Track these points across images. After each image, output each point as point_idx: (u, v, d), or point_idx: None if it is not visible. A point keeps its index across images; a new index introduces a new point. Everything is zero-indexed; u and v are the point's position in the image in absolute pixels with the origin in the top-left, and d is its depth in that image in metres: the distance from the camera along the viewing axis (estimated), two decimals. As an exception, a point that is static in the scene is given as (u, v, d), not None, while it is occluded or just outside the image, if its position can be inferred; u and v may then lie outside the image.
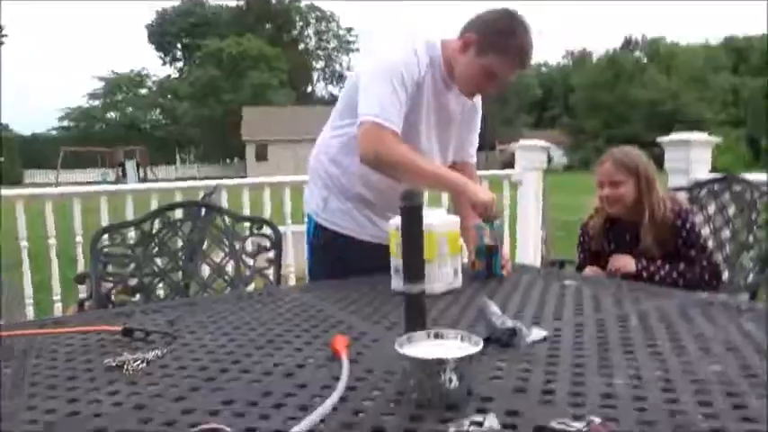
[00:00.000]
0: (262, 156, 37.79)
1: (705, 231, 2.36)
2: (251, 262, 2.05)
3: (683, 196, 2.48)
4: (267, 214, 3.80)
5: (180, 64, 55.43)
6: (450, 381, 0.85)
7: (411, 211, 1.10)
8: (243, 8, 54.29)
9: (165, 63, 55.98)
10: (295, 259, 3.88)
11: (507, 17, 1.70)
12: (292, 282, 3.86)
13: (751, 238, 2.26)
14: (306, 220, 2.00)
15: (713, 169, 3.26)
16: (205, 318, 1.40)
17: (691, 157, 3.18)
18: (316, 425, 0.79)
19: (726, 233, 2.41)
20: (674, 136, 3.33)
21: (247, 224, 2.06)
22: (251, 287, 2.04)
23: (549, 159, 4.30)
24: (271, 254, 2.01)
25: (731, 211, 2.42)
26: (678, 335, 1.13)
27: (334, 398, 0.86)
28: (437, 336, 0.96)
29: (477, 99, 1.96)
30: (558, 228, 7.41)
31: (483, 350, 0.90)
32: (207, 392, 0.94)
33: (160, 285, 2.01)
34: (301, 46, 59.24)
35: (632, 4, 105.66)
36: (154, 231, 2.02)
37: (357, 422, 0.81)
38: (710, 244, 2.27)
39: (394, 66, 1.71)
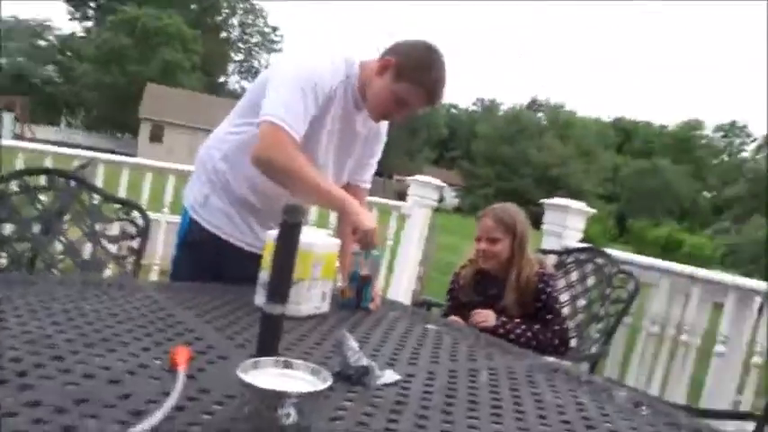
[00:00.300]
0: (156, 137, 36.02)
1: (564, 297, 2.50)
2: (113, 248, 1.90)
3: (551, 260, 2.62)
4: (144, 199, 3.58)
5: (90, 24, 51.74)
6: (288, 416, 0.81)
7: (289, 228, 1.05)
8: (174, -20, 51.92)
9: (73, 19, 52.05)
10: (165, 253, 3.67)
11: (428, 51, 1.71)
12: (155, 277, 3.64)
13: (602, 312, 2.42)
14: (182, 212, 1.89)
15: (583, 239, 3.48)
16: (36, 301, 1.26)
17: (566, 223, 3.37)
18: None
19: (581, 302, 2.56)
20: (556, 200, 3.52)
21: (116, 206, 1.91)
22: (105, 274, 1.89)
23: (441, 198, 4.40)
24: (135, 242, 1.87)
25: (590, 281, 2.58)
26: (521, 398, 1.15)
27: (156, 416, 0.79)
28: (286, 365, 0.92)
29: (383, 126, 1.96)
30: (439, 268, 7.60)
31: (332, 385, 0.86)
32: (12, 389, 0.83)
33: (2, 254, 1.82)
34: (223, 34, 57.50)
35: (544, 66, 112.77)
36: (8, 193, 1.82)
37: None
38: (566, 311, 2.40)
39: (309, 73, 1.67)
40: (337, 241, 1.62)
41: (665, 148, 56.29)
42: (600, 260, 2.53)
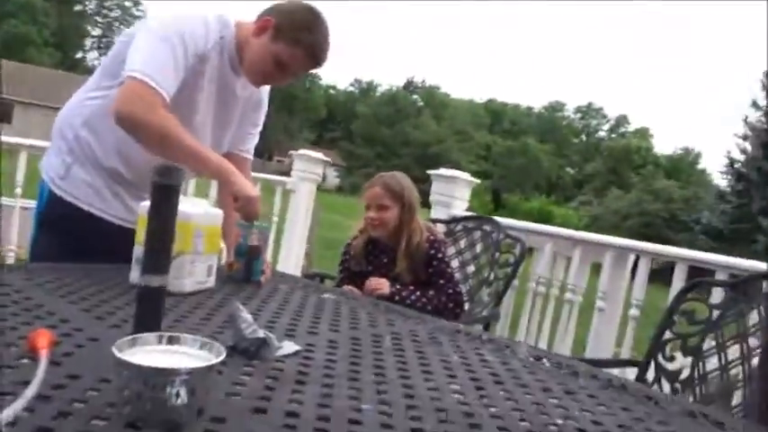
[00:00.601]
0: (5, 116, 32.57)
1: (455, 263, 2.52)
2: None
3: (440, 228, 2.63)
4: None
5: None
6: (178, 396, 0.70)
7: (164, 190, 0.92)
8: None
9: None
10: (21, 241, 3.29)
11: (308, 12, 1.61)
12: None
13: (492, 276, 2.47)
14: (39, 187, 1.66)
15: (468, 209, 3.56)
16: None
17: (454, 193, 3.43)
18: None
19: (471, 268, 2.60)
20: (443, 171, 3.57)
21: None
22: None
23: (324, 177, 4.32)
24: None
25: (479, 248, 2.62)
26: (428, 359, 1.11)
27: (13, 407, 0.65)
28: (171, 341, 0.80)
29: (264, 93, 1.84)
30: (324, 245, 7.54)
31: (225, 361, 0.76)
32: None
33: None
34: (78, 7, 52.93)
35: (418, 47, 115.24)
36: None
37: (51, 429, 0.62)
38: (457, 276, 2.43)
39: (178, 30, 1.51)
40: (219, 212, 1.48)
41: (531, 128, 59.86)
42: (487, 227, 2.57)
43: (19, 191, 3.34)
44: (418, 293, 2.06)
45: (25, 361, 0.83)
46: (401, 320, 1.43)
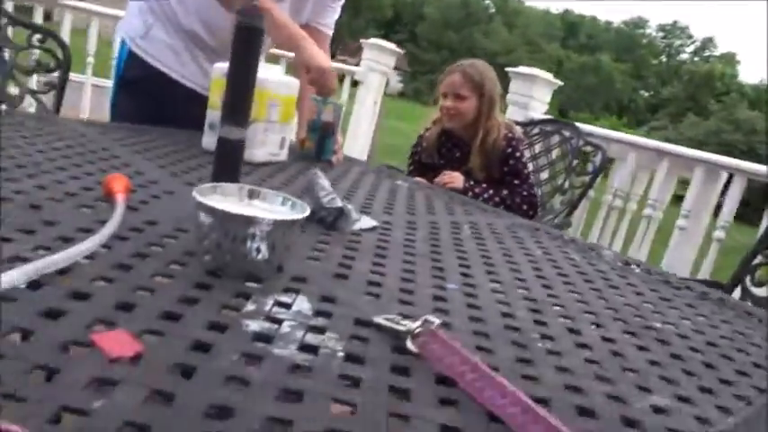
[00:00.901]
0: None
1: (529, 168, 2.39)
2: (31, 81, 1.62)
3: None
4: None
5: None
6: (259, 250, 0.65)
7: (248, 34, 0.84)
8: None
9: None
10: (94, 114, 3.33)
11: None
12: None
13: (567, 184, 2.34)
14: (117, 47, 1.61)
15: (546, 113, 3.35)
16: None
17: (533, 93, 3.21)
18: (48, 268, 0.55)
19: (545, 174, 2.48)
20: (523, 69, 3.33)
21: (27, 32, 1.60)
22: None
23: (387, 82, 4.15)
24: (54, 76, 1.59)
25: (555, 153, 2.48)
26: (510, 251, 1.04)
27: (92, 240, 0.62)
28: (253, 195, 0.75)
29: None
30: (385, 153, 7.44)
31: (303, 225, 0.71)
32: None
33: None
34: None
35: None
36: None
37: (116, 277, 0.58)
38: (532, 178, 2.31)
39: None
40: (296, 81, 1.40)
41: (608, 45, 56.43)
42: (566, 132, 2.42)
43: (91, 58, 3.32)
44: (491, 192, 1.96)
45: (101, 204, 0.80)
46: (479, 212, 1.35)
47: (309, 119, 1.52)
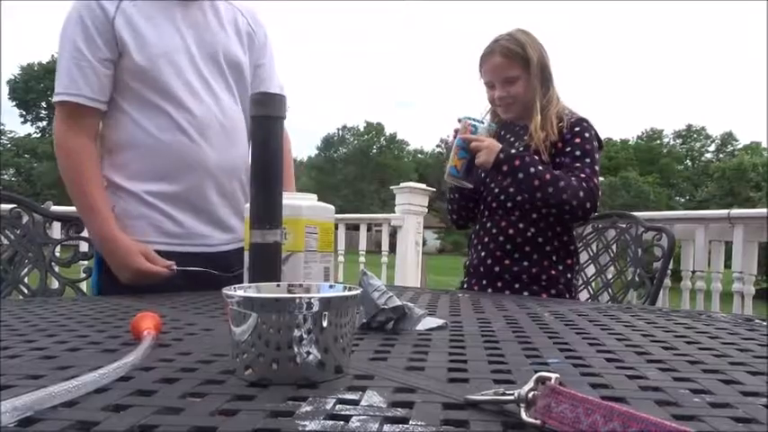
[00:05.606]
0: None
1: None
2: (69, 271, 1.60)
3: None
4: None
5: (43, 124, 50.83)
6: (308, 344, 0.52)
7: (267, 122, 0.78)
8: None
9: (26, 122, 51.20)
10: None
11: None
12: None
13: (636, 277, 2.14)
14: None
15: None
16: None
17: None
18: (44, 403, 0.43)
19: (610, 273, 2.30)
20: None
21: (57, 224, 1.61)
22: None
23: (424, 241, 4.14)
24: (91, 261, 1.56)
25: (614, 248, 2.32)
26: (608, 326, 0.88)
27: (106, 369, 0.50)
28: (293, 287, 0.63)
29: (258, 27, 1.56)
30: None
31: (360, 334, 0.58)
32: None
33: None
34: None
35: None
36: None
37: (132, 403, 0.46)
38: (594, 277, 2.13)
39: (70, 19, 1.34)
40: (331, 207, 1.32)
41: (630, 162, 57.35)
42: (623, 223, 2.27)
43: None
44: (540, 167, 1.60)
45: (127, 347, 0.69)
46: (555, 304, 1.19)
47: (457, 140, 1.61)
